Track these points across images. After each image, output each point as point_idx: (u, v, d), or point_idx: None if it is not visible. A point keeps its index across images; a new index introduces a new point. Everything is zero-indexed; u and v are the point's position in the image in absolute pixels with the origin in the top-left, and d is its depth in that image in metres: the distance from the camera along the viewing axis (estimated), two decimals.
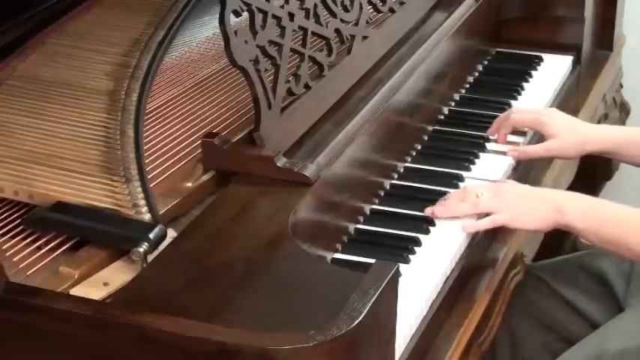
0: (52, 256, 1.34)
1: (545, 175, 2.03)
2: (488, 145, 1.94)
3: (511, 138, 1.97)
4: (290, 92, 1.58)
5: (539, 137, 1.96)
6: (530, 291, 1.89)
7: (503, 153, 1.91)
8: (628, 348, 1.67)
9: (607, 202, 1.66)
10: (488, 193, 1.66)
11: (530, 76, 2.24)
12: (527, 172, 1.99)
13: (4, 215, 1.42)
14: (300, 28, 1.62)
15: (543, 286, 1.89)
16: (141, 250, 1.31)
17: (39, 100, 1.67)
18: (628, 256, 1.64)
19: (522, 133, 1.99)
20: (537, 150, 1.91)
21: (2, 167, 1.49)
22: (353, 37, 1.76)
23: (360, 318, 1.15)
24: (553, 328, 1.88)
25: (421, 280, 1.52)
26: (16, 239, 1.37)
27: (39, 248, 1.35)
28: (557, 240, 2.57)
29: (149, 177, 1.48)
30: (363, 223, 1.67)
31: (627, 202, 2.94)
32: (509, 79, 2.22)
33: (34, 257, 1.33)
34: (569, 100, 2.27)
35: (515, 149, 1.91)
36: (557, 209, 1.62)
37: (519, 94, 2.16)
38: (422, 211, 1.69)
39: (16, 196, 1.43)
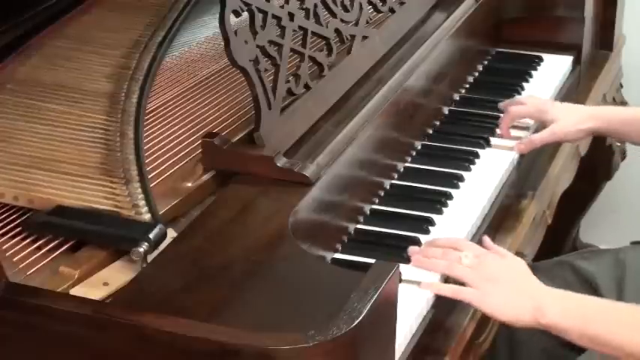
0: (52, 256, 1.34)
1: (546, 175, 2.04)
2: (489, 145, 1.94)
3: (515, 133, 1.98)
4: (290, 92, 1.58)
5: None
6: None
7: (506, 150, 1.92)
8: None
9: (592, 298, 1.54)
10: (471, 260, 1.52)
11: (530, 76, 2.24)
12: (527, 172, 1.99)
13: (4, 215, 1.42)
14: (300, 28, 1.62)
15: None
16: (141, 250, 1.31)
17: (39, 103, 1.67)
18: (619, 354, 1.49)
19: (525, 128, 2.00)
20: (543, 136, 1.93)
21: (2, 172, 1.48)
22: (353, 37, 1.76)
23: (360, 318, 1.15)
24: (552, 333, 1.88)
25: (421, 280, 1.51)
26: (16, 239, 1.37)
27: (39, 248, 1.35)
28: (558, 240, 2.57)
29: (149, 177, 1.48)
30: (363, 223, 1.67)
31: (627, 202, 2.95)
32: (509, 79, 2.22)
33: (34, 257, 1.33)
34: (569, 100, 2.26)
35: (521, 142, 1.93)
36: (537, 308, 1.47)
37: (519, 94, 2.16)
38: (422, 211, 1.69)
39: (16, 201, 1.43)
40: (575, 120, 1.92)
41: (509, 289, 1.50)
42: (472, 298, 1.50)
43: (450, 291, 1.51)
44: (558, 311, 1.48)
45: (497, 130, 2.00)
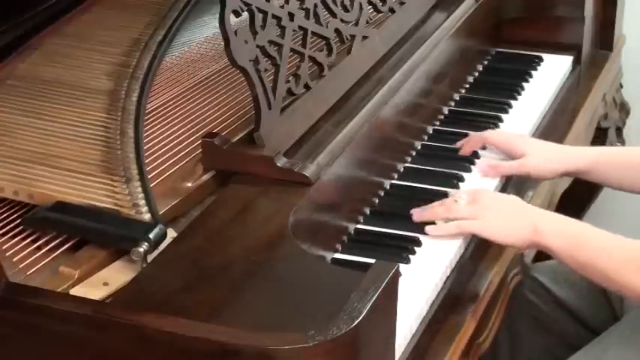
0: (52, 256, 1.34)
1: None
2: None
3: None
4: (290, 92, 1.58)
5: None
6: (530, 294, 1.89)
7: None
8: (627, 357, 1.66)
9: (588, 226, 1.59)
10: (466, 200, 1.62)
11: (530, 76, 2.24)
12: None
13: (4, 215, 1.42)
14: (300, 28, 1.62)
15: (542, 289, 1.89)
16: (141, 250, 1.31)
17: (39, 100, 1.67)
18: (603, 283, 1.57)
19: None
20: (511, 166, 1.84)
21: (2, 167, 1.49)
22: (353, 37, 1.76)
23: (360, 318, 1.15)
24: (553, 331, 1.88)
25: (421, 280, 1.52)
26: (16, 239, 1.37)
27: (39, 248, 1.35)
28: None
29: (149, 177, 1.48)
30: (363, 223, 1.67)
31: (627, 202, 2.95)
32: (509, 79, 2.22)
33: (34, 257, 1.33)
34: (569, 100, 2.27)
35: (488, 165, 1.85)
36: (534, 228, 1.56)
37: (519, 94, 2.16)
38: None
39: (16, 196, 1.43)
40: (546, 158, 1.83)
41: (507, 213, 1.60)
42: (474, 227, 1.60)
43: (453, 228, 1.60)
44: (553, 232, 1.56)
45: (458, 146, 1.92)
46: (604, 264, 1.53)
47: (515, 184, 1.90)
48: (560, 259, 1.57)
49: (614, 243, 1.56)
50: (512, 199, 1.66)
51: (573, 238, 1.56)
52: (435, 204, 1.66)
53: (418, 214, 1.65)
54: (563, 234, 1.56)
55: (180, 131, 1.64)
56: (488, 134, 1.90)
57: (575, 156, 1.85)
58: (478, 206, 1.61)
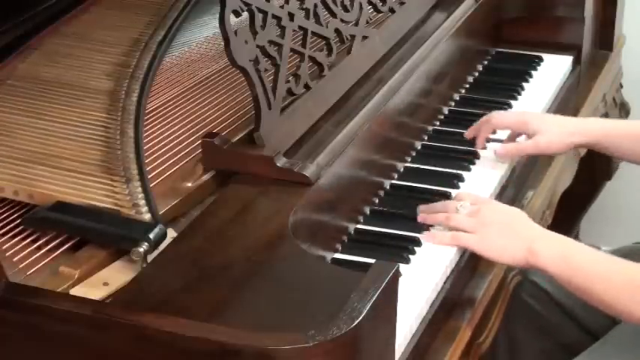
0: (52, 256, 1.34)
1: (546, 175, 2.03)
2: (489, 146, 1.94)
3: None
4: (290, 92, 1.58)
5: None
6: (529, 297, 1.88)
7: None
8: None
9: (586, 247, 1.55)
10: (469, 209, 1.61)
11: (530, 76, 2.24)
12: (527, 172, 1.99)
13: (4, 215, 1.42)
14: (300, 28, 1.62)
15: (541, 292, 1.88)
16: (141, 250, 1.31)
17: (39, 100, 1.67)
18: (600, 307, 1.54)
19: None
20: (526, 146, 1.87)
21: (2, 167, 1.49)
22: (353, 37, 1.76)
23: (360, 318, 1.15)
24: (551, 334, 1.88)
25: (421, 280, 1.52)
26: (16, 239, 1.37)
27: (39, 248, 1.35)
28: None
29: (149, 177, 1.48)
30: (363, 223, 1.67)
31: (627, 202, 2.95)
32: (509, 79, 2.22)
33: (34, 257, 1.33)
34: (569, 100, 2.27)
35: (504, 147, 1.88)
36: (529, 249, 1.53)
37: (519, 94, 2.16)
38: None
39: (16, 196, 1.43)
40: (559, 133, 1.85)
41: (506, 231, 1.57)
42: (470, 242, 1.58)
43: (449, 239, 1.59)
44: (548, 257, 1.53)
45: (468, 137, 1.94)
46: (600, 288, 1.50)
47: (515, 184, 1.90)
48: (557, 281, 1.55)
49: (611, 267, 1.53)
50: (514, 214, 1.62)
51: (569, 260, 1.52)
52: (439, 206, 1.66)
53: (423, 216, 1.65)
54: (559, 257, 1.53)
55: (180, 131, 1.64)
56: (496, 118, 1.90)
57: (588, 127, 1.87)
58: (478, 220, 1.59)
